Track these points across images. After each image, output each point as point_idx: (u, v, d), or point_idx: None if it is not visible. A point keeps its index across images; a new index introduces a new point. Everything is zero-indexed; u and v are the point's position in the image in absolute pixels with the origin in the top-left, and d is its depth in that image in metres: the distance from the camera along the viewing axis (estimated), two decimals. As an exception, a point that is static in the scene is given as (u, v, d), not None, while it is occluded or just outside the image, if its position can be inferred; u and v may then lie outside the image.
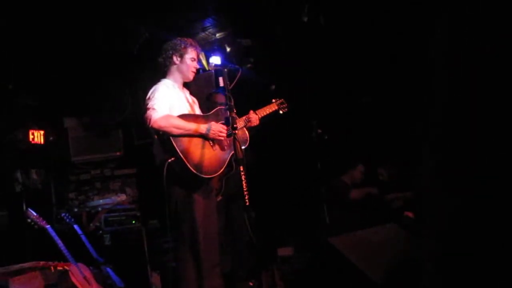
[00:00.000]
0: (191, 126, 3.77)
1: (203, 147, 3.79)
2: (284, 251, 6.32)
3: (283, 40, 5.86)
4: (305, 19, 5.40)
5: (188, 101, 4.08)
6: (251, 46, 5.97)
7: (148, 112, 3.73)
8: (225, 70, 3.81)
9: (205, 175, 3.73)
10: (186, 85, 4.29)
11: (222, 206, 4.77)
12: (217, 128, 3.83)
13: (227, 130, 3.84)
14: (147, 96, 3.86)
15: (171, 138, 3.68)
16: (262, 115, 4.24)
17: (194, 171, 3.66)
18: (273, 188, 6.51)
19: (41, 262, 4.05)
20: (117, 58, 6.01)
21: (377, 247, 3.09)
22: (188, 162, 3.65)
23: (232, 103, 3.57)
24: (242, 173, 3.32)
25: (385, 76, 6.03)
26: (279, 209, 6.53)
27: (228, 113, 3.55)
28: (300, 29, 5.61)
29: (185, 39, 4.07)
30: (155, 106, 3.73)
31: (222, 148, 3.91)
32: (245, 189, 3.34)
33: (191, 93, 4.38)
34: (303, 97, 6.17)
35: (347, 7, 5.35)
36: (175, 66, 4.02)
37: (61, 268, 4.14)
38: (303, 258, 6.21)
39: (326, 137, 5.53)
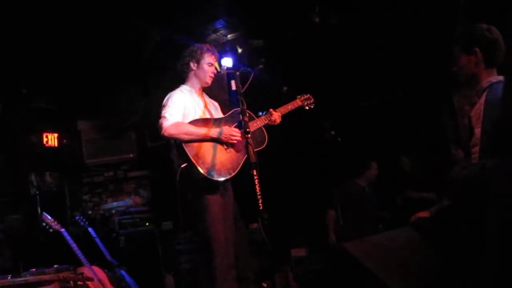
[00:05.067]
0: (201, 131, 3.79)
1: (216, 150, 3.80)
2: (298, 252, 6.32)
3: (294, 41, 5.84)
4: (317, 19, 5.38)
5: (206, 106, 4.09)
6: (262, 47, 5.96)
7: (160, 120, 3.79)
8: (237, 73, 3.78)
9: (217, 178, 3.73)
10: None
11: None
12: (229, 132, 3.83)
13: (240, 132, 3.81)
14: (162, 103, 3.91)
15: (182, 144, 3.71)
16: (284, 112, 4.21)
17: (206, 175, 3.67)
18: (287, 190, 6.50)
19: (61, 275, 4.05)
20: (129, 61, 6.03)
21: (392, 251, 3.07)
22: (200, 167, 3.67)
23: (245, 107, 3.55)
24: (255, 177, 3.30)
25: (398, 75, 6.00)
26: (292, 210, 6.52)
27: (241, 117, 3.53)
28: (312, 30, 5.59)
29: (202, 44, 4.12)
30: (166, 115, 3.78)
31: (237, 150, 3.90)
32: (258, 193, 3.31)
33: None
34: (315, 98, 6.15)
35: (360, 7, 5.31)
36: (192, 72, 4.06)
37: (81, 283, 4.15)
38: (317, 259, 6.21)
39: (339, 139, 5.50)
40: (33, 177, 6.35)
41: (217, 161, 3.77)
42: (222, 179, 3.77)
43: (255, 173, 3.31)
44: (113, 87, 6.49)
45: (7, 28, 5.05)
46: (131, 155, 6.88)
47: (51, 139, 6.52)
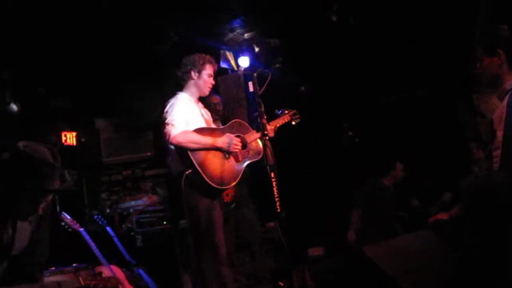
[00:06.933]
0: (207, 140, 3.92)
1: (218, 159, 3.95)
2: (315, 251, 6.31)
3: (312, 40, 5.81)
4: (334, 18, 5.35)
5: (202, 115, 4.23)
6: (279, 46, 5.94)
7: (167, 127, 3.89)
8: (255, 74, 3.81)
9: (220, 186, 3.89)
10: (215, 84, 4.42)
11: (235, 212, 5.05)
12: (232, 142, 3.98)
13: (241, 142, 4.03)
14: (165, 110, 4.02)
15: (188, 152, 3.83)
16: (276, 126, 4.35)
17: (210, 183, 3.82)
18: (305, 188, 6.48)
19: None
20: (147, 60, 6.05)
21: (410, 255, 3.05)
22: (205, 174, 3.81)
23: (262, 109, 3.58)
24: (273, 179, 3.32)
25: (416, 75, 5.94)
26: (310, 209, 6.51)
27: (259, 120, 3.56)
28: (330, 28, 5.56)
29: (204, 55, 4.20)
30: (173, 122, 3.88)
31: (237, 160, 4.07)
32: (276, 196, 3.34)
33: (219, 93, 4.43)
34: (333, 98, 6.11)
35: (377, 6, 5.27)
36: (192, 81, 4.15)
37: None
38: (334, 258, 6.18)
39: (357, 140, 5.47)
40: (52, 176, 6.38)
41: (220, 170, 3.94)
42: (224, 187, 3.98)
43: (272, 176, 3.34)
44: (131, 86, 6.51)
45: (24, 28, 5.09)
46: (149, 153, 6.89)
47: (69, 138, 6.54)
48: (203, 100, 4.39)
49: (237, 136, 4.08)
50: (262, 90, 3.79)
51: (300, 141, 6.00)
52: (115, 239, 5.11)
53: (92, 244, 4.67)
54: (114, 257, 4.91)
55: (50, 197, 2.82)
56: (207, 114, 4.32)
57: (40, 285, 2.78)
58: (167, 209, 6.23)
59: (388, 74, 6.00)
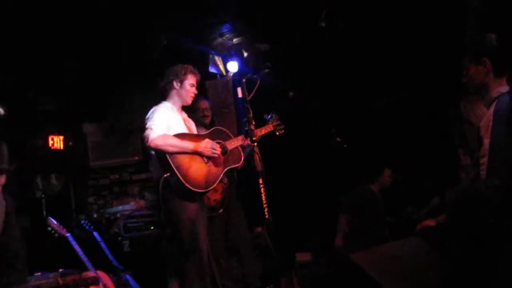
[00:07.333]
0: (186, 144, 3.96)
1: (197, 163, 3.98)
2: (303, 256, 6.31)
3: (301, 45, 5.83)
4: (323, 24, 5.38)
5: (185, 123, 4.27)
6: (268, 51, 5.96)
7: (146, 131, 3.94)
8: (244, 80, 3.82)
9: (198, 189, 3.91)
10: (203, 89, 4.42)
11: (223, 217, 5.07)
12: (211, 146, 4.03)
13: (221, 148, 4.09)
14: (147, 116, 4.07)
15: (167, 155, 3.86)
16: (259, 134, 4.40)
17: (188, 186, 3.84)
18: (293, 194, 6.48)
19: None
20: (136, 64, 6.05)
21: (398, 262, 3.07)
22: (183, 178, 3.83)
23: (251, 115, 3.59)
24: (261, 185, 3.33)
25: (405, 80, 5.97)
26: (298, 214, 6.50)
27: (247, 126, 3.57)
28: (319, 33, 5.58)
29: (186, 65, 4.25)
30: (152, 126, 3.93)
31: (216, 165, 4.11)
32: (264, 201, 3.35)
33: (207, 98, 4.43)
34: (322, 103, 6.12)
35: (367, 12, 5.29)
36: (175, 91, 4.21)
37: None
38: (322, 263, 6.19)
39: (345, 146, 5.48)
40: (38, 180, 6.36)
41: (199, 174, 3.98)
42: (202, 190, 3.99)
43: (261, 182, 3.35)
44: (119, 90, 6.51)
45: (13, 32, 5.06)
46: (136, 157, 6.88)
47: (56, 142, 6.53)
48: (191, 106, 4.41)
49: (218, 143, 4.13)
50: (251, 96, 3.81)
51: (288, 147, 6.00)
52: (102, 244, 5.07)
53: (78, 249, 4.63)
54: (101, 263, 4.86)
55: (2, 180, 2.92)
56: (189, 122, 4.35)
57: None
58: (155, 214, 6.20)
59: (378, 79, 6.02)
